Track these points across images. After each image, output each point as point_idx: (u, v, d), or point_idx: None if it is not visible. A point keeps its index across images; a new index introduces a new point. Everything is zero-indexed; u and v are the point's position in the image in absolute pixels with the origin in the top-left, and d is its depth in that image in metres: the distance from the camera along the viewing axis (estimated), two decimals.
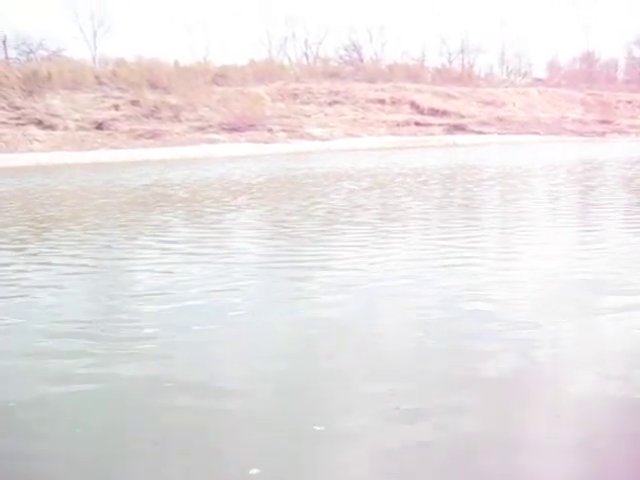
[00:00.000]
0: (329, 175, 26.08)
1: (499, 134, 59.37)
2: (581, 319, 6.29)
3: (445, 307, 6.66)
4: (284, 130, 53.67)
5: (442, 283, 7.71)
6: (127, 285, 8.51)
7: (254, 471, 3.70)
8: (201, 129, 52.11)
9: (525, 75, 79.99)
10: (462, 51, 78.11)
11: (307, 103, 59.18)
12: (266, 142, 50.79)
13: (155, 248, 11.03)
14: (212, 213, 15.62)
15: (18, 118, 50.51)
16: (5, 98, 51.42)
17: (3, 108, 50.87)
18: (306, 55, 74.81)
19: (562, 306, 6.61)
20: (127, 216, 15.75)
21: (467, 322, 6.16)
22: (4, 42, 64.35)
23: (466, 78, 71.58)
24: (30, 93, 52.21)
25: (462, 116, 61.53)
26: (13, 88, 51.96)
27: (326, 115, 58.05)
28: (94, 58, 67.93)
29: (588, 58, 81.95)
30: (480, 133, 59.02)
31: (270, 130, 53.07)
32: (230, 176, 27.08)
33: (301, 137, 53.30)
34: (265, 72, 62.09)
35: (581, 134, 62.36)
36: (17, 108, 51.17)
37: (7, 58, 62.84)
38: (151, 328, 6.26)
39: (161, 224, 14.07)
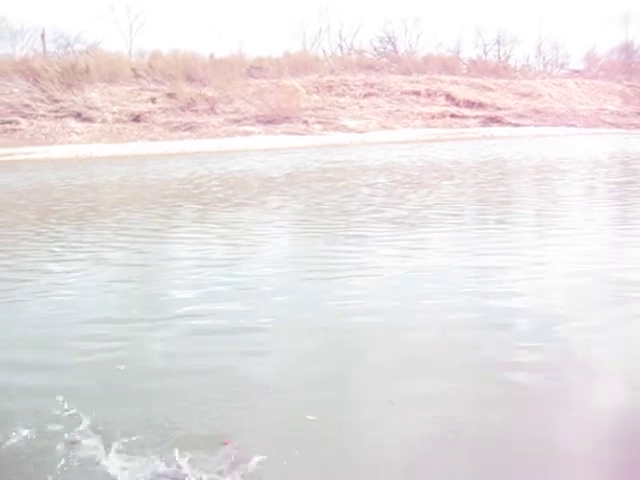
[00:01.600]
0: (352, 168, 25.89)
1: (536, 126, 58.60)
2: None
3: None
4: (319, 122, 53.63)
5: None
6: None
7: None
8: (237, 121, 52.31)
9: (562, 66, 78.79)
10: (498, 42, 77.16)
11: (342, 95, 58.98)
12: (301, 134, 50.81)
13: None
14: (209, 211, 15.56)
15: (57, 111, 51.28)
16: (44, 91, 52.21)
17: (42, 101, 51.64)
18: (340, 47, 74.58)
19: None
20: (115, 216, 15.62)
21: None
22: (42, 36, 65.26)
23: (502, 70, 70.70)
24: (69, 86, 52.92)
25: (498, 108, 60.83)
26: (52, 81, 52.69)
27: (361, 107, 57.82)
28: (130, 51, 68.59)
29: (627, 49, 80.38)
30: (516, 125, 58.31)
31: (305, 122, 53.06)
32: (254, 170, 27.01)
33: (336, 129, 53.21)
34: (300, 64, 62.00)
35: (619, 126, 61.25)
36: (56, 101, 51.92)
37: (45, 52, 63.66)
38: None
39: (146, 224, 14.00)
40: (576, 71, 76.51)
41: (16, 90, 52.00)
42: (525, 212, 14.03)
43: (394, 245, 10.38)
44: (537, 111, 61.57)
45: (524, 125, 58.64)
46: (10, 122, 49.67)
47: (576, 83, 70.05)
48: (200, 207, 16.18)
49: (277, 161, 31.57)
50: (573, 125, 59.66)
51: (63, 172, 29.71)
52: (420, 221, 12.93)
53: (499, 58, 76.61)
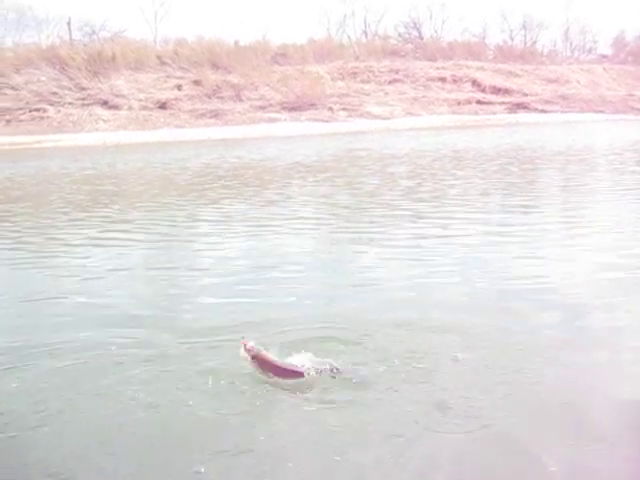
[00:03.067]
0: (370, 157, 25.42)
1: (563, 112, 57.97)
2: None
3: None
4: (344, 109, 53.54)
5: None
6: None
7: None
8: (262, 108, 52.39)
9: (590, 51, 77.90)
10: (524, 27, 76.48)
11: (367, 82, 58.79)
12: (326, 121, 50.75)
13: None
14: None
15: (84, 98, 51.67)
16: (71, 79, 52.58)
17: (70, 89, 52.04)
18: (365, 33, 74.31)
19: None
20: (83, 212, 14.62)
21: None
22: (69, 24, 65.73)
23: (528, 55, 70.01)
24: (95, 74, 53.27)
25: (525, 94, 60.26)
26: (79, 69, 53.07)
27: (386, 94, 57.59)
28: (155, 38, 68.90)
29: None
30: (543, 112, 57.69)
31: (330, 109, 53.01)
32: (269, 159, 26.46)
33: (361, 116, 53.08)
34: (324, 50, 61.93)
35: None
36: (83, 89, 52.32)
37: (72, 40, 64.10)
38: None
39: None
40: (604, 56, 75.54)
41: (43, 78, 52.46)
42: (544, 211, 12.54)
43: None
44: (564, 97, 60.91)
45: (551, 111, 58.03)
46: (38, 110, 50.18)
47: (604, 69, 69.16)
48: (194, 202, 15.37)
49: (296, 149, 31.16)
50: (601, 111, 58.92)
51: (79, 162, 29.27)
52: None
53: (525, 43, 75.94)
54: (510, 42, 75.82)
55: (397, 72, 60.67)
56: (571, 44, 77.98)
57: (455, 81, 60.89)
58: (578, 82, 64.76)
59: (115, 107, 51.25)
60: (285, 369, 4.83)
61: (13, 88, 50.84)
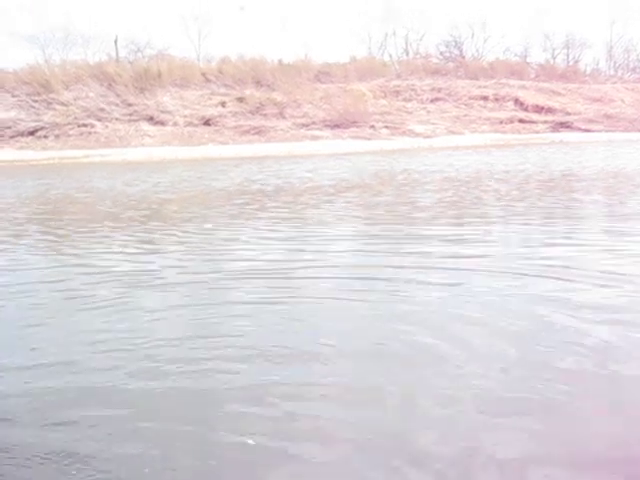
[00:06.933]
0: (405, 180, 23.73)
1: (607, 131, 57.42)
2: None
3: None
4: (386, 127, 53.73)
5: None
6: None
7: None
8: (305, 125, 52.88)
9: (634, 70, 77.01)
10: (567, 46, 76.00)
11: (409, 100, 59.00)
12: (368, 139, 50.97)
13: None
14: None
15: (131, 114, 52.80)
16: (119, 95, 53.78)
17: (117, 105, 53.22)
18: (406, 52, 74.57)
19: None
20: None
21: None
22: (115, 42, 67.13)
23: (571, 74, 69.59)
24: (142, 90, 54.41)
25: (568, 113, 59.84)
26: (126, 86, 54.27)
27: (428, 112, 57.71)
28: (198, 56, 69.91)
29: None
30: (587, 131, 57.20)
31: (372, 127, 53.23)
32: (291, 180, 23.97)
33: (403, 134, 53.20)
34: (366, 69, 62.33)
35: None
36: (130, 105, 53.46)
37: (118, 57, 65.45)
38: None
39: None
40: None
41: (91, 94, 53.73)
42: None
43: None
44: (608, 116, 60.33)
45: (594, 130, 57.48)
46: (86, 125, 51.39)
47: None
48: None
49: (325, 169, 29.04)
50: None
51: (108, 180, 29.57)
52: None
53: (568, 62, 75.46)
54: (552, 61, 75.40)
55: (439, 90, 60.78)
56: (615, 63, 77.31)
57: (497, 100, 60.75)
58: (622, 101, 64.12)
59: (161, 123, 52.25)
60: None
61: (62, 104, 52.14)
